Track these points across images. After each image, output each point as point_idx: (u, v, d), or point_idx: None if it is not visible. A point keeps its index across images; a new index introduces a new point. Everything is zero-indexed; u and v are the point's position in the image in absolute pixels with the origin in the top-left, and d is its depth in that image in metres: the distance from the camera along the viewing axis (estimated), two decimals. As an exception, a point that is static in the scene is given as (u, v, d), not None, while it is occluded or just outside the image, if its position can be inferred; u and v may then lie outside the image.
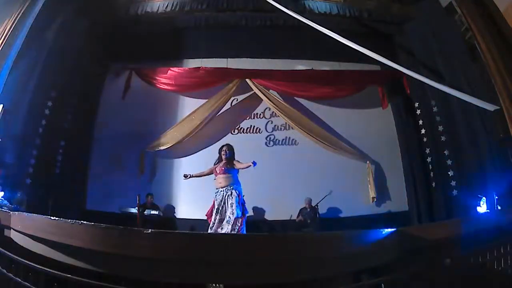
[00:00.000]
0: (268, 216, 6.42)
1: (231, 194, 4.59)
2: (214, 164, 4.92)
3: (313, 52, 7.10)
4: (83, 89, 6.66)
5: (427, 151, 6.47)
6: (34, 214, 3.51)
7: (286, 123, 6.99)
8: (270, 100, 6.92)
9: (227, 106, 7.05)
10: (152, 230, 2.89)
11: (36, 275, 2.76)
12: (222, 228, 4.48)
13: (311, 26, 5.25)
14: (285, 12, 5.58)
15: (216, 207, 4.62)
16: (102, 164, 6.60)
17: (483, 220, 4.12)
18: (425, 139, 6.56)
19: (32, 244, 3.08)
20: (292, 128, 6.92)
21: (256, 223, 6.13)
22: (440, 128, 6.25)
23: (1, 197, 4.49)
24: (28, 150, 5.62)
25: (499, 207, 4.42)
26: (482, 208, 4.67)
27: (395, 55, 6.87)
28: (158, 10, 6.54)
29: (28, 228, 3.16)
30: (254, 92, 6.99)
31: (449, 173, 5.96)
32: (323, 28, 5.15)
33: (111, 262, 2.82)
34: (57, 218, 3.07)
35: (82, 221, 2.88)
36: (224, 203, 4.58)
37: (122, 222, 3.69)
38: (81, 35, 6.44)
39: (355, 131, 6.94)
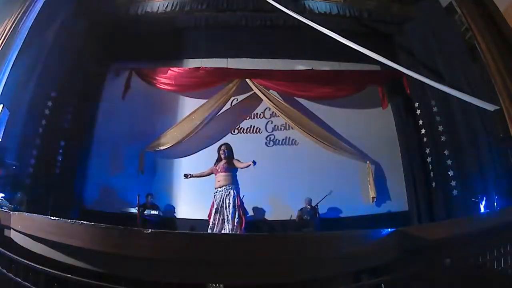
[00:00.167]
0: (268, 216, 6.42)
1: (230, 194, 4.60)
2: (214, 164, 4.94)
3: (313, 52, 7.10)
4: (83, 89, 6.66)
5: (427, 151, 6.47)
6: (34, 214, 3.49)
7: (286, 123, 6.99)
8: (270, 100, 6.92)
9: (227, 106, 7.05)
10: (152, 230, 2.89)
11: (36, 275, 2.76)
12: (224, 229, 4.50)
13: (311, 26, 5.25)
14: (285, 12, 5.58)
15: (215, 207, 4.64)
16: (102, 164, 6.60)
17: (483, 220, 4.11)
18: (425, 139, 6.56)
19: (32, 244, 3.07)
20: (292, 128, 6.92)
21: (256, 223, 6.13)
22: (440, 128, 6.25)
23: (1, 197, 4.49)
24: (28, 150, 5.62)
25: (498, 207, 4.43)
26: (482, 208, 4.68)
27: (395, 55, 6.87)
28: (158, 10, 6.54)
29: (28, 228, 3.16)
30: (254, 92, 6.99)
31: (449, 173, 5.95)
32: (323, 28, 5.15)
33: (111, 262, 2.82)
34: (57, 218, 3.07)
35: (82, 221, 2.88)
36: (223, 203, 4.59)
37: (122, 222, 3.68)
38: (81, 35, 6.45)
39: (355, 131, 6.94)
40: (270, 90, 7.00)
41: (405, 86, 6.82)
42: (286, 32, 6.91)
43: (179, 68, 7.05)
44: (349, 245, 3.14)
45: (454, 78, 5.80)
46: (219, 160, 4.90)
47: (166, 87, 6.94)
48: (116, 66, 7.15)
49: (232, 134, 7.01)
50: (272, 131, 7.07)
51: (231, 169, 4.74)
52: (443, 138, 6.18)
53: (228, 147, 4.91)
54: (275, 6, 5.61)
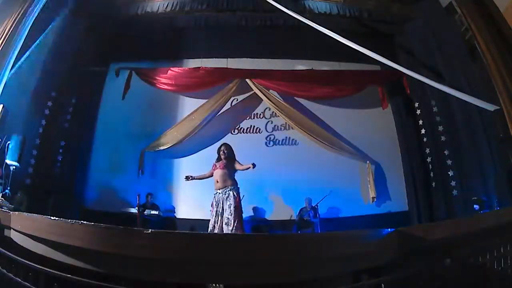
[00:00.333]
0: (268, 216, 6.42)
1: (229, 196, 4.58)
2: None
3: (313, 52, 7.09)
4: (83, 89, 6.66)
5: (427, 151, 6.46)
6: (34, 214, 3.50)
7: (286, 123, 6.99)
8: (270, 100, 6.92)
9: (227, 106, 7.04)
10: (152, 230, 2.89)
11: (36, 275, 2.76)
12: (223, 231, 4.48)
13: (311, 26, 5.25)
14: (285, 12, 5.58)
15: (215, 209, 4.62)
16: (102, 164, 6.60)
17: (483, 220, 4.11)
18: (425, 139, 6.55)
19: (32, 244, 3.08)
20: (292, 128, 6.91)
21: (256, 223, 6.12)
22: (440, 128, 6.25)
23: (1, 197, 4.49)
24: (28, 150, 5.61)
25: (498, 207, 4.43)
26: (482, 208, 4.68)
27: (395, 55, 6.87)
28: (158, 10, 6.55)
29: (28, 228, 3.16)
30: (254, 92, 6.99)
31: (449, 173, 5.95)
32: (323, 28, 5.15)
33: (111, 262, 2.82)
34: (57, 218, 3.08)
35: (82, 221, 2.88)
36: (223, 205, 4.58)
37: (122, 222, 3.68)
38: (81, 35, 6.45)
39: (355, 131, 6.93)
40: (270, 90, 7.00)
41: (405, 86, 6.80)
42: (286, 32, 6.91)
43: (179, 68, 7.05)
44: (349, 245, 3.14)
45: (454, 78, 5.80)
46: (219, 160, 4.87)
47: (166, 87, 6.94)
48: (116, 66, 7.14)
49: (232, 134, 7.01)
50: (272, 131, 7.07)
51: (229, 168, 4.72)
52: (443, 138, 6.18)
53: (227, 147, 4.88)
54: (275, 6, 5.61)
